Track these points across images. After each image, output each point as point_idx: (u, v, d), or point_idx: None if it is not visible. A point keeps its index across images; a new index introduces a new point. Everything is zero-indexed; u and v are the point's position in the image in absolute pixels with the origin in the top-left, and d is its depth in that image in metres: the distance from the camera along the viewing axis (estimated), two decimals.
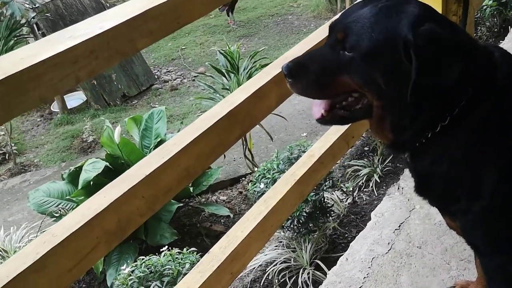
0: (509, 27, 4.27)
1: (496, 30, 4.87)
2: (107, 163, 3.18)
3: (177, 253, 2.29)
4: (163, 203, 1.30)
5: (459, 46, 1.11)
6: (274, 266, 2.70)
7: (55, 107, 7.18)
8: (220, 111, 1.44)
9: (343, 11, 1.25)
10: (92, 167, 3.09)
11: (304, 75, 1.20)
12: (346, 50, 1.14)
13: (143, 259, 2.26)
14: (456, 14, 2.48)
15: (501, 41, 4.11)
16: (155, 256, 2.29)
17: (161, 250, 2.35)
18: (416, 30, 1.07)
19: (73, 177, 3.29)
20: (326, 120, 1.27)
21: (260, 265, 2.80)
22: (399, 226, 2.33)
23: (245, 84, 1.59)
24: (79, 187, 3.09)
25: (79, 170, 3.24)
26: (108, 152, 3.31)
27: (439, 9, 2.46)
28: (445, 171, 1.24)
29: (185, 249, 2.36)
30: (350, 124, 1.93)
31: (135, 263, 2.23)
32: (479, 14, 4.78)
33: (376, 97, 1.15)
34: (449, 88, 1.08)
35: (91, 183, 3.00)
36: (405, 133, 1.20)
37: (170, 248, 2.45)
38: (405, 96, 1.11)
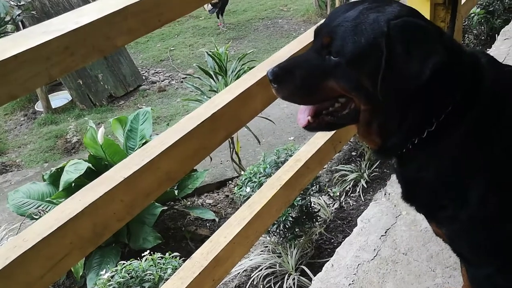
0: (496, 35, 4.31)
1: (483, 38, 4.91)
2: (90, 165, 3.12)
3: (159, 258, 2.24)
4: (142, 207, 1.25)
5: (435, 39, 1.08)
6: (259, 271, 2.66)
7: (39, 106, 7.06)
8: (204, 112, 1.40)
9: (328, 15, 1.22)
10: (74, 168, 3.03)
11: (289, 81, 1.18)
12: (332, 55, 1.12)
13: (123, 263, 2.19)
14: (444, 20, 2.48)
15: (488, 49, 4.14)
16: (136, 260, 2.24)
17: (142, 254, 2.29)
18: (391, 22, 1.06)
19: (54, 178, 3.22)
20: (313, 126, 1.25)
21: (245, 270, 2.76)
22: (385, 232, 2.32)
23: (230, 86, 1.56)
24: (60, 188, 3.02)
25: (60, 171, 3.17)
26: (91, 153, 3.24)
27: (427, 15, 2.47)
28: (432, 178, 1.22)
29: (167, 253, 2.30)
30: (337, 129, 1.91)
31: (116, 268, 2.17)
32: (466, 22, 4.81)
33: (364, 101, 1.13)
34: (424, 85, 1.05)
35: (73, 184, 2.93)
36: (392, 138, 1.18)
37: (152, 252, 2.39)
38: (392, 100, 1.09)
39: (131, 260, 2.26)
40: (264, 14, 9.51)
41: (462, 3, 2.80)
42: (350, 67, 1.09)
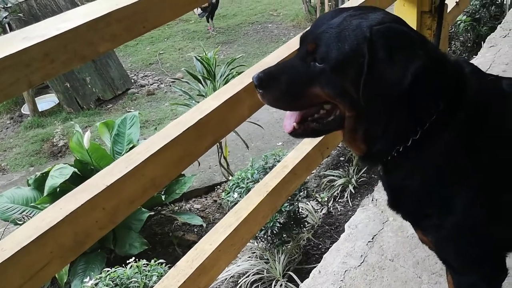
0: (482, 42, 4.36)
1: (469, 45, 4.97)
2: (76, 169, 3.08)
3: (144, 265, 2.21)
4: (126, 215, 1.23)
5: (417, 45, 1.09)
6: (246, 277, 2.64)
7: (25, 109, 6.97)
8: (190, 119, 1.39)
9: (313, 22, 1.23)
10: (59, 173, 2.98)
11: (275, 86, 1.18)
12: (317, 61, 1.12)
13: (108, 270, 2.16)
14: (430, 28, 2.50)
15: (474, 56, 4.19)
16: (121, 267, 2.21)
17: (127, 261, 2.26)
18: (373, 28, 1.06)
19: (39, 183, 3.17)
20: (298, 133, 1.25)
21: (232, 277, 2.75)
22: (372, 238, 2.32)
23: (217, 92, 1.55)
24: (45, 193, 2.97)
25: (45, 176, 3.12)
26: (77, 158, 3.20)
27: (413, 22, 2.49)
28: (416, 186, 1.22)
29: (153, 260, 2.28)
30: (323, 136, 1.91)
31: (100, 275, 2.14)
32: (453, 29, 4.87)
33: (348, 108, 1.14)
34: (408, 93, 1.05)
35: (58, 190, 2.89)
36: (377, 145, 1.18)
37: (138, 259, 2.36)
38: (376, 106, 1.09)
39: (116, 267, 2.23)
40: (254, 18, 9.53)
41: (448, 11, 2.83)
42: (335, 73, 1.09)
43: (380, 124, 1.14)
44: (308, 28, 1.23)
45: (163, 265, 2.28)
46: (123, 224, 3.10)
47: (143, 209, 3.22)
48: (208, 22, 8.97)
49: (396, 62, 1.04)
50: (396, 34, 1.08)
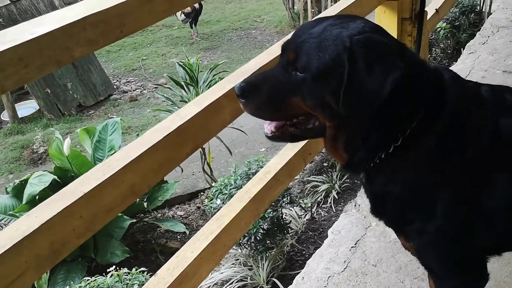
0: (462, 49, 4.44)
1: (449, 51, 5.05)
2: (55, 177, 3.02)
3: (125, 274, 2.17)
4: (104, 223, 1.20)
5: (396, 55, 1.09)
6: (230, 284, 2.62)
7: (5, 116, 6.85)
8: (170, 125, 1.37)
9: (295, 31, 1.23)
10: (39, 180, 2.93)
11: (256, 96, 1.18)
12: (298, 70, 1.12)
13: (88, 279, 2.12)
14: (411, 35, 2.53)
15: (454, 62, 4.25)
16: (101, 276, 2.16)
17: (108, 270, 2.22)
18: (353, 37, 1.07)
19: (18, 190, 3.10)
20: (276, 136, 1.25)
21: (215, 284, 2.72)
22: (355, 244, 2.32)
23: (198, 98, 1.53)
24: (24, 201, 2.91)
25: (24, 183, 3.05)
26: (57, 165, 3.14)
27: (394, 29, 2.51)
28: (398, 192, 1.23)
29: (134, 268, 2.24)
30: (305, 141, 1.91)
31: (79, 285, 2.09)
32: (433, 36, 4.95)
33: (328, 118, 1.14)
34: (388, 101, 1.06)
35: (37, 197, 2.83)
36: (359, 153, 1.18)
37: (119, 267, 2.32)
38: (356, 115, 1.10)
39: (96, 275, 2.19)
40: (238, 24, 9.55)
41: (428, 18, 2.87)
42: (315, 83, 1.10)
43: (361, 133, 1.15)
44: (289, 36, 1.24)
45: (145, 273, 2.25)
46: (104, 232, 3.05)
47: (124, 216, 3.18)
48: (191, 28, 8.95)
49: (375, 72, 1.05)
50: (376, 44, 1.08)
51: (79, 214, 1.11)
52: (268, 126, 1.24)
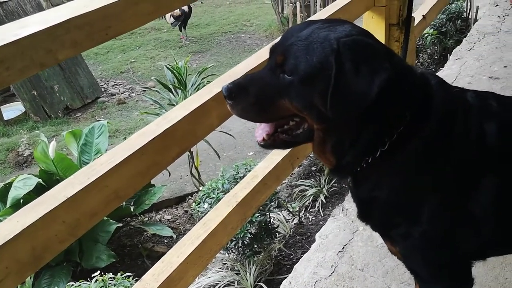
0: (449, 55, 4.49)
1: (436, 57, 5.10)
2: (40, 180, 2.98)
3: (111, 279, 2.14)
4: (88, 227, 1.19)
5: (383, 57, 1.10)
6: None
7: None
8: (156, 128, 1.36)
9: (283, 34, 1.23)
10: (23, 183, 2.88)
11: (244, 98, 1.18)
12: (286, 73, 1.13)
13: (72, 285, 2.09)
14: (398, 40, 2.55)
15: (441, 68, 4.30)
16: (85, 281, 2.13)
17: (92, 275, 2.19)
18: (340, 40, 1.07)
19: (2, 194, 3.04)
20: (268, 144, 1.25)
21: None
22: (342, 248, 2.32)
23: (185, 101, 1.53)
24: (8, 205, 2.86)
25: (8, 186, 3.00)
26: (42, 168, 3.10)
27: (382, 35, 2.53)
28: (385, 196, 1.23)
29: (119, 273, 2.21)
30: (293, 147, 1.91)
31: None
32: (421, 42, 5.00)
33: (316, 121, 1.14)
34: (375, 105, 1.06)
35: (21, 201, 2.78)
36: (346, 157, 1.19)
37: (105, 272, 2.29)
38: (344, 118, 1.10)
39: (80, 281, 2.15)
40: (227, 28, 9.55)
41: (415, 24, 2.90)
42: (303, 85, 1.10)
43: (349, 136, 1.16)
44: (278, 39, 1.24)
45: (130, 278, 2.22)
46: (89, 236, 3.01)
47: (110, 220, 3.14)
48: (180, 31, 8.93)
49: (362, 74, 1.05)
50: (363, 47, 1.09)
51: (62, 219, 1.10)
52: (260, 134, 1.23)
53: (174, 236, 3.46)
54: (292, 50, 1.12)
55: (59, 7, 1.03)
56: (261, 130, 1.24)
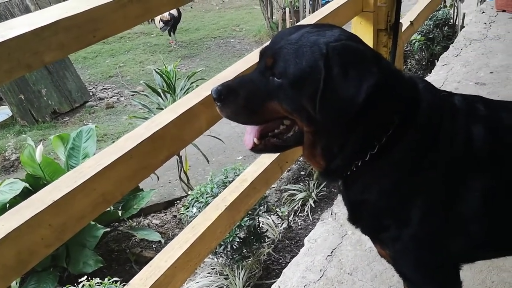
0: (436, 61, 4.54)
1: (424, 63, 5.16)
2: (27, 184, 2.94)
3: (98, 284, 2.12)
4: (75, 231, 1.17)
5: (372, 62, 1.12)
6: None
7: None
8: (145, 132, 1.36)
9: (273, 37, 1.24)
10: (9, 188, 2.84)
11: (233, 100, 1.18)
12: (276, 76, 1.14)
13: None
14: (386, 45, 2.58)
15: (428, 74, 4.35)
16: (72, 287, 2.11)
17: (79, 280, 2.16)
18: (329, 44, 1.08)
19: None
20: (259, 148, 1.26)
21: None
22: (331, 252, 2.33)
23: (173, 105, 1.52)
24: None
25: None
26: (29, 172, 3.06)
27: (370, 40, 2.56)
28: (375, 199, 1.24)
29: (106, 279, 2.19)
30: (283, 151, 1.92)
31: None
32: (409, 48, 5.05)
33: (306, 123, 1.15)
34: (363, 109, 1.08)
35: (7, 206, 2.74)
36: (336, 160, 1.19)
37: (92, 277, 2.27)
38: (333, 122, 1.11)
39: (67, 286, 2.13)
40: (217, 33, 9.55)
41: (403, 30, 2.93)
42: (292, 88, 1.11)
43: (338, 140, 1.17)
44: (268, 43, 1.25)
45: (118, 283, 2.20)
46: (76, 241, 2.98)
47: (98, 225, 3.11)
48: (170, 35, 8.91)
49: (351, 79, 1.06)
50: (351, 52, 1.10)
51: (48, 222, 1.08)
52: (249, 138, 1.24)
53: (163, 241, 3.44)
54: (282, 53, 1.13)
55: (46, 9, 1.03)
56: (249, 136, 1.24)
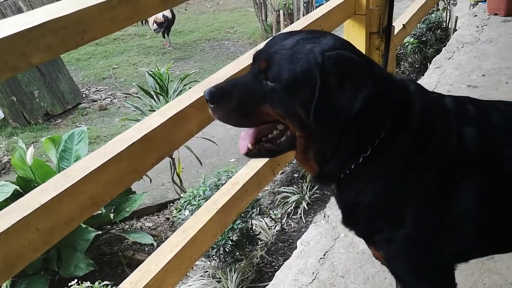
0: (429, 63, 4.56)
1: (417, 66, 5.19)
2: (18, 187, 2.92)
3: (88, 287, 2.10)
4: (62, 235, 1.16)
5: (366, 72, 1.13)
6: None
7: None
8: (135, 134, 1.35)
9: (266, 41, 1.24)
10: (0, 190, 2.82)
11: (226, 102, 1.19)
12: (269, 80, 1.14)
13: None
14: (378, 48, 2.59)
15: (421, 76, 4.36)
16: None
17: (69, 284, 2.14)
18: (325, 54, 1.09)
19: None
20: (253, 153, 1.26)
21: None
22: (324, 255, 2.32)
23: (164, 107, 1.51)
24: None
25: None
26: (20, 175, 3.04)
27: (362, 43, 2.56)
28: (368, 202, 1.25)
29: (97, 282, 2.17)
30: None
31: None
32: (402, 51, 5.08)
33: (298, 128, 1.16)
34: (357, 114, 1.09)
35: None
36: (329, 164, 1.20)
37: (83, 280, 2.25)
38: (326, 127, 1.12)
39: None
40: (211, 35, 9.55)
41: (395, 33, 2.94)
42: (285, 93, 1.11)
43: (331, 144, 1.17)
44: (261, 46, 1.25)
45: (109, 287, 2.18)
46: (67, 244, 2.95)
47: (89, 228, 3.09)
48: (164, 37, 8.90)
49: (346, 89, 1.08)
50: (346, 62, 1.11)
51: (35, 226, 1.07)
52: (244, 144, 1.24)
53: (155, 244, 3.42)
54: (276, 58, 1.13)
55: (34, 11, 1.02)
56: (244, 141, 1.25)
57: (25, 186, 2.99)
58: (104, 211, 3.31)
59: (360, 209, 1.27)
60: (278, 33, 1.27)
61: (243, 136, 1.25)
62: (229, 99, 1.17)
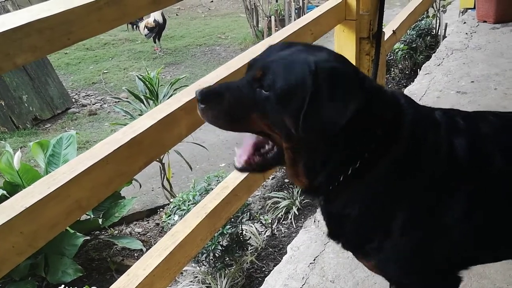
0: (419, 70, 4.60)
1: (407, 72, 5.23)
2: (5, 192, 2.87)
3: None
4: (48, 239, 1.14)
5: (357, 86, 1.14)
6: None
7: None
8: (122, 137, 1.33)
9: (262, 51, 1.25)
10: None
11: (217, 104, 1.18)
12: (263, 88, 1.14)
13: None
14: (368, 54, 2.60)
15: (411, 82, 4.40)
16: None
17: None
18: (319, 64, 1.10)
19: None
20: (244, 168, 1.26)
21: None
22: (314, 260, 2.32)
23: (152, 110, 1.50)
24: None
25: None
26: (7, 179, 3.00)
27: (353, 48, 2.58)
28: (357, 213, 1.25)
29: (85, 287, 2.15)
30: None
31: None
32: (392, 57, 5.11)
33: (285, 139, 1.16)
34: (347, 126, 1.09)
35: None
36: (319, 177, 1.21)
37: (70, 286, 2.22)
38: (315, 139, 1.13)
39: None
40: (202, 40, 9.55)
41: (385, 39, 2.96)
42: (278, 103, 1.11)
43: (320, 157, 1.18)
44: (258, 54, 1.25)
45: None
46: (55, 250, 2.91)
47: (77, 233, 3.05)
48: (155, 42, 8.87)
49: (336, 100, 1.08)
50: (339, 74, 1.12)
51: (19, 230, 1.05)
52: (241, 158, 1.24)
53: (144, 250, 3.38)
54: (271, 67, 1.14)
55: (19, 11, 1.00)
56: (239, 158, 1.25)
57: (12, 190, 2.95)
58: (92, 216, 3.28)
59: (348, 220, 1.28)
60: (275, 43, 1.27)
61: (240, 154, 1.26)
62: (220, 102, 1.17)
